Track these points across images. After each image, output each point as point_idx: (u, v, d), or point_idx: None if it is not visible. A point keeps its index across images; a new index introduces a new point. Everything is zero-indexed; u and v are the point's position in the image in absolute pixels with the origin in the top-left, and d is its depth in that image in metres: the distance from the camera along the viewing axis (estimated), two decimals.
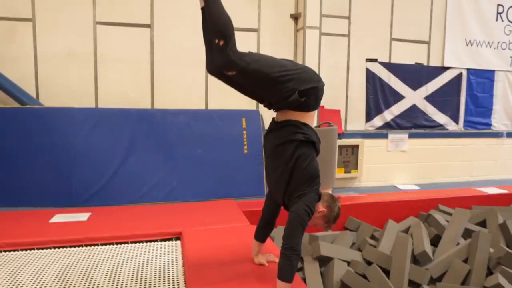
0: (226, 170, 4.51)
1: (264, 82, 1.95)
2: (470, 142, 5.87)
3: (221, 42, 1.83)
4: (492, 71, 5.97)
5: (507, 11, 5.95)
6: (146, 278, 2.43)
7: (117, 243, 2.99)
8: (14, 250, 2.82)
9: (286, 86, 1.95)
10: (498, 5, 5.89)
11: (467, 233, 3.79)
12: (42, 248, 2.87)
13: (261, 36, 4.86)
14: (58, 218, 3.36)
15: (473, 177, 5.81)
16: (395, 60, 5.39)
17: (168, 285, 2.35)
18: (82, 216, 3.40)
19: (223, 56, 1.84)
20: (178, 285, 2.36)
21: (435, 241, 3.83)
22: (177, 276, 2.48)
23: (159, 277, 2.46)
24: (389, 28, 5.35)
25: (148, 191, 4.18)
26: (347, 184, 5.24)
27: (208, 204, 3.95)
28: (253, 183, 4.61)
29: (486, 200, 4.77)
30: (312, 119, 2.16)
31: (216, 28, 1.86)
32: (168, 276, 2.47)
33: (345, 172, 5.15)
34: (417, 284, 3.20)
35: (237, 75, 1.92)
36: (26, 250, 2.84)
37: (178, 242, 3.06)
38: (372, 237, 4.01)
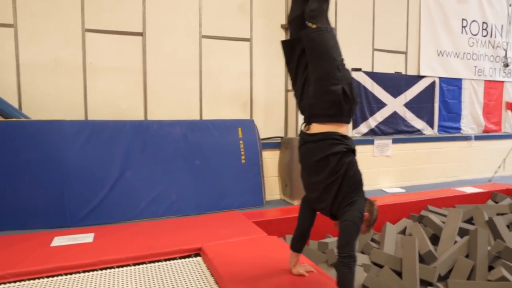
0: (225, 181, 4.44)
1: (325, 56, 2.01)
2: (444, 146, 6.27)
3: None
4: (460, 80, 6.46)
5: (470, 24, 6.49)
6: None
7: (134, 264, 2.81)
8: (21, 281, 2.55)
9: (337, 75, 2.00)
10: (463, 19, 6.40)
11: (459, 231, 4.03)
12: (52, 276, 2.63)
13: (254, 45, 4.87)
14: (60, 241, 3.10)
15: (449, 178, 6.21)
16: (377, 69, 5.65)
17: None
18: (86, 238, 3.17)
19: (317, 5, 2.03)
20: None
21: (432, 240, 4.02)
22: None
23: None
24: (371, 39, 5.61)
25: (147, 206, 4.00)
26: None
27: (215, 217, 3.84)
28: (252, 193, 4.58)
29: (466, 199, 5.11)
30: (347, 131, 2.17)
31: None
32: None
33: None
34: (427, 283, 3.34)
35: (312, 32, 2.00)
36: (34, 279, 2.57)
37: (199, 258, 2.95)
38: (373, 240, 4.13)
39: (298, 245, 2.42)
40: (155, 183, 4.09)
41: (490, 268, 3.42)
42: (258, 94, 4.96)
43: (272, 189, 4.98)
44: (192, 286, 2.48)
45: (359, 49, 5.55)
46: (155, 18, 4.36)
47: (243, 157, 4.58)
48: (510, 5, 6.84)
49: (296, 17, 2.15)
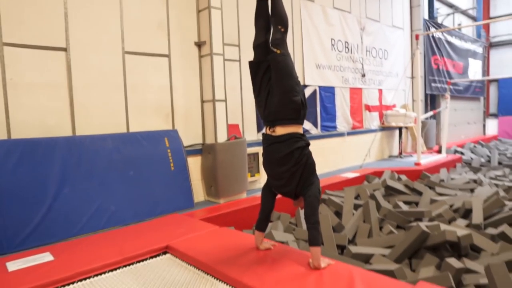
0: (158, 188, 4.70)
1: (287, 75, 2.62)
2: (325, 142, 7.63)
3: (282, 29, 2.66)
4: (333, 87, 7.95)
5: (337, 43, 8.07)
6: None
7: (110, 271, 2.95)
8: None
9: (296, 89, 2.65)
10: (331, 38, 7.92)
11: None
12: None
13: (172, 60, 5.23)
14: (16, 265, 2.98)
15: (331, 168, 7.57)
16: None
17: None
18: (43, 257, 3.10)
19: (281, 36, 2.65)
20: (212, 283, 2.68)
21: (336, 215, 5.07)
22: (202, 277, 2.78)
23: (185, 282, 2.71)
24: None
25: (88, 221, 4.00)
26: (252, 186, 6.09)
27: (160, 221, 4.09)
28: (183, 197, 4.94)
29: (349, 182, 6.42)
30: (302, 130, 2.88)
31: (282, 19, 2.68)
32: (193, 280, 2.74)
33: (251, 176, 6.00)
34: (341, 246, 4.30)
35: (278, 56, 2.60)
36: None
37: (168, 255, 3.25)
38: (290, 223, 4.97)
39: (262, 226, 3.00)
40: (93, 197, 4.11)
41: (381, 228, 4.60)
42: (178, 105, 5.33)
43: (197, 191, 5.40)
44: (179, 277, 2.80)
45: None
46: (78, 32, 4.32)
47: (172, 164, 4.91)
48: (361, 29, 8.74)
49: (260, 44, 2.74)
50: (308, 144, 2.76)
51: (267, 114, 2.75)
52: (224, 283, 2.64)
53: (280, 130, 2.69)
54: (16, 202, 3.58)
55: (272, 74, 2.67)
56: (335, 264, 2.66)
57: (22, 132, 3.92)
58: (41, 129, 4.03)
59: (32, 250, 3.33)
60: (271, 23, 2.73)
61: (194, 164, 5.41)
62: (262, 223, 3.00)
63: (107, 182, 4.25)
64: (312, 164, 2.74)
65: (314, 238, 2.60)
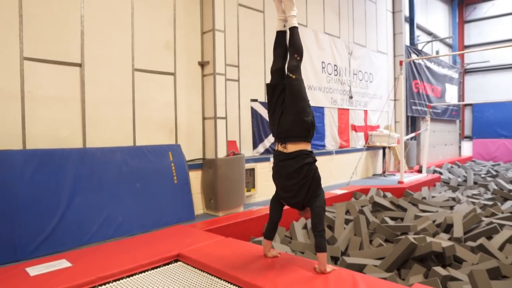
0: (162, 200, 4.91)
1: (300, 98, 2.97)
2: None
3: (298, 58, 3.04)
4: (323, 107, 8.38)
5: (327, 66, 8.55)
6: None
7: (127, 276, 3.14)
8: None
9: (308, 110, 3.00)
10: (322, 62, 8.40)
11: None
12: None
13: (177, 79, 5.51)
14: (36, 270, 3.13)
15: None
16: None
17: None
18: (61, 264, 3.27)
19: (296, 63, 3.01)
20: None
21: (329, 229, 5.39)
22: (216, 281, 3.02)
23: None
24: (263, 75, 6.90)
25: (97, 230, 4.17)
26: (248, 201, 6.36)
27: (166, 232, 4.30)
28: (185, 209, 5.16)
29: (338, 198, 6.78)
30: (309, 147, 3.21)
31: (299, 49, 3.04)
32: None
33: (247, 191, 6.27)
34: (335, 258, 4.60)
35: (293, 80, 2.95)
36: None
37: (180, 263, 3.46)
38: (286, 236, 5.25)
39: (270, 234, 3.28)
40: (103, 207, 4.29)
41: (371, 241, 4.93)
42: (181, 121, 5.59)
43: (197, 205, 5.63)
44: (194, 282, 3.02)
45: (256, 84, 6.78)
46: (93, 50, 4.57)
47: (175, 177, 5.14)
48: (349, 53, 9.28)
49: (277, 69, 3.09)
50: (315, 160, 3.08)
51: (280, 131, 3.06)
52: (238, 286, 2.89)
53: (291, 147, 3.00)
54: (31, 211, 3.74)
55: (287, 96, 3.00)
56: (338, 270, 2.96)
57: (36, 143, 4.09)
58: (53, 141, 4.21)
59: (47, 257, 3.49)
60: (288, 51, 3.09)
61: (195, 178, 5.65)
62: (270, 232, 3.28)
63: (115, 193, 4.44)
64: (319, 178, 3.06)
65: (320, 245, 2.89)
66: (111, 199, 4.39)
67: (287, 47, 3.14)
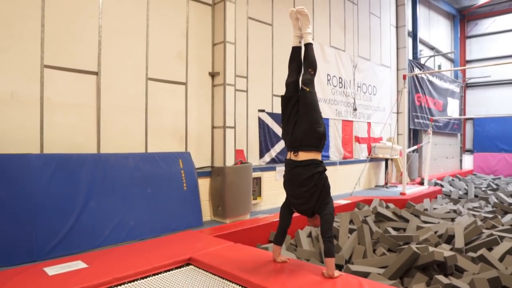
0: (172, 205, 5.05)
1: (313, 109, 3.14)
2: None
3: (312, 72, 3.24)
4: (327, 119, 8.55)
5: (332, 78, 8.75)
6: None
7: (141, 278, 3.26)
8: None
9: (320, 121, 3.16)
10: (327, 74, 8.60)
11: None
12: None
13: (188, 88, 5.69)
14: (55, 270, 3.25)
15: None
16: (276, 110, 7.13)
17: None
18: (77, 264, 3.40)
19: (310, 77, 3.21)
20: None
21: (334, 237, 5.49)
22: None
23: None
24: (271, 85, 7.09)
25: (110, 234, 4.30)
26: (254, 209, 6.48)
27: (176, 237, 4.43)
28: (193, 215, 5.29)
29: (342, 208, 6.90)
30: (320, 157, 3.35)
31: (313, 64, 3.26)
32: None
33: (253, 199, 6.40)
34: (339, 266, 4.71)
35: (307, 93, 3.13)
36: None
37: (191, 266, 3.59)
38: (291, 244, 5.37)
39: (280, 240, 3.41)
40: (115, 211, 4.42)
41: (374, 250, 5.05)
42: (191, 129, 5.76)
43: (205, 211, 5.76)
44: (206, 285, 3.14)
45: (264, 94, 6.96)
46: (109, 59, 4.76)
47: (184, 184, 5.28)
48: (353, 66, 9.49)
49: (292, 82, 3.26)
50: (325, 170, 3.22)
51: (293, 141, 3.20)
52: None
53: (303, 156, 3.14)
54: (47, 213, 3.88)
55: (301, 107, 3.17)
56: (345, 275, 3.09)
57: (52, 148, 4.25)
58: (69, 146, 4.37)
59: (63, 258, 3.62)
60: (303, 66, 3.26)
61: (203, 185, 5.79)
62: (280, 238, 3.41)
63: (128, 198, 4.58)
64: (328, 186, 3.20)
65: (329, 250, 3.02)
66: (124, 203, 4.53)
67: (302, 61, 3.31)
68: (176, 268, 3.53)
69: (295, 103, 3.20)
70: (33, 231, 3.76)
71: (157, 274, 3.37)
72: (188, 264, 3.63)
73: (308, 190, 3.11)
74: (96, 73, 4.66)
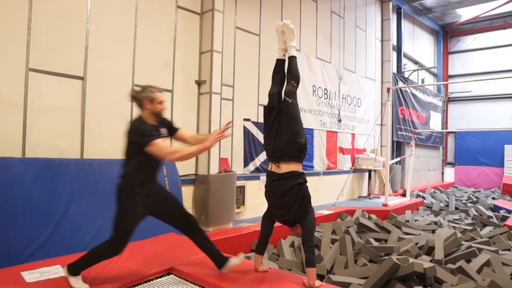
0: None
1: (295, 120, 3.17)
2: None
3: (295, 84, 3.28)
4: (312, 129, 8.64)
5: (317, 90, 8.87)
6: None
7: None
8: None
9: (302, 133, 3.20)
10: (313, 85, 8.71)
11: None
12: None
13: (174, 96, 5.69)
14: (32, 276, 3.20)
15: None
16: (260, 120, 7.17)
17: None
18: (57, 269, 3.35)
19: (293, 88, 3.25)
20: None
21: (316, 247, 5.52)
22: None
23: None
24: (257, 95, 7.15)
25: (91, 240, 4.21)
26: (237, 217, 6.47)
27: (158, 242, 4.39)
28: None
29: (325, 218, 6.97)
30: (301, 168, 3.39)
31: (296, 76, 3.30)
32: None
33: (237, 208, 6.39)
34: (321, 276, 4.73)
35: (290, 104, 3.15)
36: None
37: (172, 276, 3.55)
38: (273, 253, 5.38)
39: (262, 249, 3.43)
40: (97, 217, 4.35)
41: (355, 260, 5.09)
42: None
43: None
44: None
45: (249, 104, 7.00)
46: (95, 64, 4.73)
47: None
48: (339, 78, 9.64)
49: (275, 93, 3.30)
50: (306, 181, 3.26)
51: (275, 151, 3.24)
52: None
53: (285, 167, 3.18)
54: (27, 218, 3.80)
55: (283, 118, 3.21)
56: (326, 285, 3.11)
57: (35, 152, 4.19)
58: (52, 150, 4.31)
59: (42, 261, 3.56)
60: (286, 78, 3.32)
61: (186, 193, 5.76)
62: (261, 247, 3.42)
63: (109, 204, 4.50)
64: (309, 196, 3.23)
65: (310, 260, 3.04)
66: (105, 210, 4.45)
67: (285, 73, 3.37)
68: (157, 278, 3.50)
69: (277, 114, 3.24)
70: (11, 235, 3.67)
71: (137, 285, 3.33)
72: (169, 274, 3.59)
73: (288, 200, 3.14)
74: (82, 78, 4.63)
